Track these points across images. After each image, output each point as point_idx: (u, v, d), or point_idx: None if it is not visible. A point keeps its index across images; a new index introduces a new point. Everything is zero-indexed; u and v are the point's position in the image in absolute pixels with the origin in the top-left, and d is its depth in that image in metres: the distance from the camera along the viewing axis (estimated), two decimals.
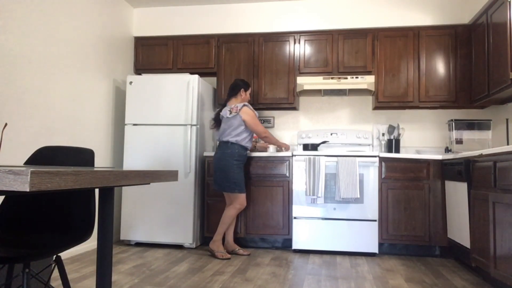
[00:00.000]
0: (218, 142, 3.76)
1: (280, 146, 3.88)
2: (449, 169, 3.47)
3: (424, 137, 4.36)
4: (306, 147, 4.12)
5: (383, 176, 3.77)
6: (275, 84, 4.31)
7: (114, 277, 2.90)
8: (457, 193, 3.30)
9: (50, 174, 0.81)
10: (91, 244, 3.83)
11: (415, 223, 3.70)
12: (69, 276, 2.88)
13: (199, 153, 4.06)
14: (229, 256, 3.51)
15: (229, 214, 3.59)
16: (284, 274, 3.04)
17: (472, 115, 4.26)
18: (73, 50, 3.58)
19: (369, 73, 4.16)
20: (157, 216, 3.97)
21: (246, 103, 3.67)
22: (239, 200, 3.59)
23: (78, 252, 3.64)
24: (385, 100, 4.12)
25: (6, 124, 1.53)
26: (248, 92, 3.78)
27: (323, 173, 3.70)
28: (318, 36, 4.27)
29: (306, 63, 4.27)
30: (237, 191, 3.56)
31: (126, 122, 4.09)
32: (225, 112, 3.68)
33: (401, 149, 4.35)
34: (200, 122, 4.06)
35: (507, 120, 3.75)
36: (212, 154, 4.05)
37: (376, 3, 4.23)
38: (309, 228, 3.78)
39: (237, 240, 4.04)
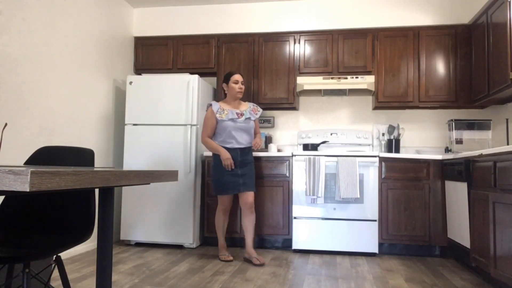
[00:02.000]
0: None
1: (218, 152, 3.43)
2: (449, 169, 3.47)
3: (424, 137, 4.36)
4: (306, 147, 4.12)
5: (383, 176, 3.77)
6: (275, 84, 4.31)
7: (114, 277, 2.90)
8: (457, 193, 3.30)
9: (50, 174, 0.81)
10: (91, 244, 3.83)
11: (415, 223, 3.70)
12: (69, 276, 2.88)
13: (199, 153, 4.06)
14: (230, 258, 3.44)
15: (215, 216, 3.59)
16: (284, 274, 3.04)
17: (472, 115, 4.26)
18: (73, 50, 3.58)
19: (369, 73, 4.16)
20: (157, 216, 3.97)
21: (213, 102, 3.49)
22: (219, 201, 3.54)
23: (78, 252, 3.64)
24: (385, 100, 4.12)
25: (6, 124, 1.53)
26: (231, 82, 3.47)
27: (323, 173, 3.70)
28: (318, 36, 4.27)
29: (306, 63, 4.27)
30: (214, 192, 3.53)
31: (126, 122, 4.09)
32: None
33: (401, 149, 4.35)
34: (200, 122, 4.06)
35: (507, 120, 3.75)
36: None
37: (376, 3, 4.23)
38: (309, 228, 3.78)
39: (237, 240, 4.04)
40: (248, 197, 3.45)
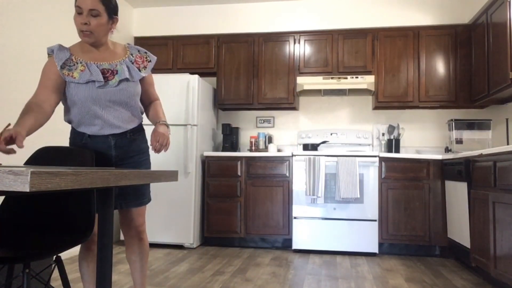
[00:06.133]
0: None
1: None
2: (449, 169, 3.47)
3: (424, 137, 4.35)
4: (306, 147, 4.12)
5: (383, 176, 3.77)
6: (275, 84, 4.31)
7: (114, 277, 2.90)
8: (457, 193, 3.30)
9: (50, 174, 0.81)
10: None
11: (415, 223, 3.70)
12: (69, 276, 2.88)
13: (199, 153, 4.06)
14: None
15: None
16: (284, 274, 3.04)
17: (472, 115, 4.26)
18: None
19: (369, 73, 4.16)
20: (157, 216, 3.97)
21: (58, 46, 1.85)
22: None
23: (78, 252, 3.63)
24: (385, 100, 4.12)
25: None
26: (75, 12, 1.75)
27: (323, 173, 3.70)
28: (318, 36, 4.27)
29: (306, 63, 4.27)
30: None
31: None
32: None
33: (401, 149, 4.35)
34: (200, 122, 4.06)
35: (507, 120, 3.74)
36: (213, 154, 4.05)
37: (376, 3, 4.23)
38: (309, 228, 3.78)
39: (237, 240, 4.03)
40: (134, 216, 1.92)
